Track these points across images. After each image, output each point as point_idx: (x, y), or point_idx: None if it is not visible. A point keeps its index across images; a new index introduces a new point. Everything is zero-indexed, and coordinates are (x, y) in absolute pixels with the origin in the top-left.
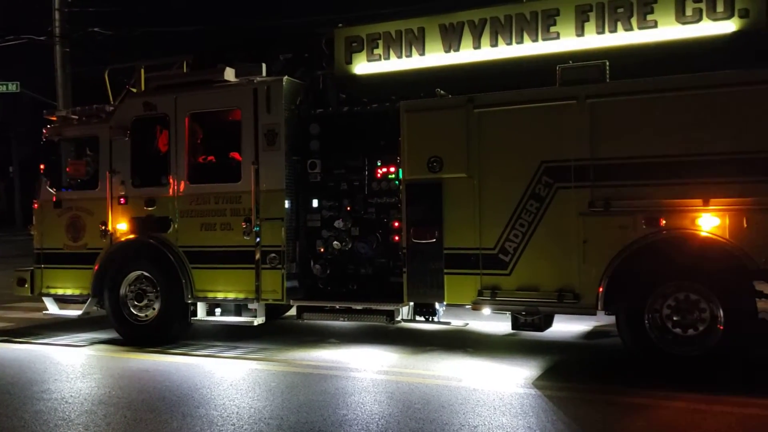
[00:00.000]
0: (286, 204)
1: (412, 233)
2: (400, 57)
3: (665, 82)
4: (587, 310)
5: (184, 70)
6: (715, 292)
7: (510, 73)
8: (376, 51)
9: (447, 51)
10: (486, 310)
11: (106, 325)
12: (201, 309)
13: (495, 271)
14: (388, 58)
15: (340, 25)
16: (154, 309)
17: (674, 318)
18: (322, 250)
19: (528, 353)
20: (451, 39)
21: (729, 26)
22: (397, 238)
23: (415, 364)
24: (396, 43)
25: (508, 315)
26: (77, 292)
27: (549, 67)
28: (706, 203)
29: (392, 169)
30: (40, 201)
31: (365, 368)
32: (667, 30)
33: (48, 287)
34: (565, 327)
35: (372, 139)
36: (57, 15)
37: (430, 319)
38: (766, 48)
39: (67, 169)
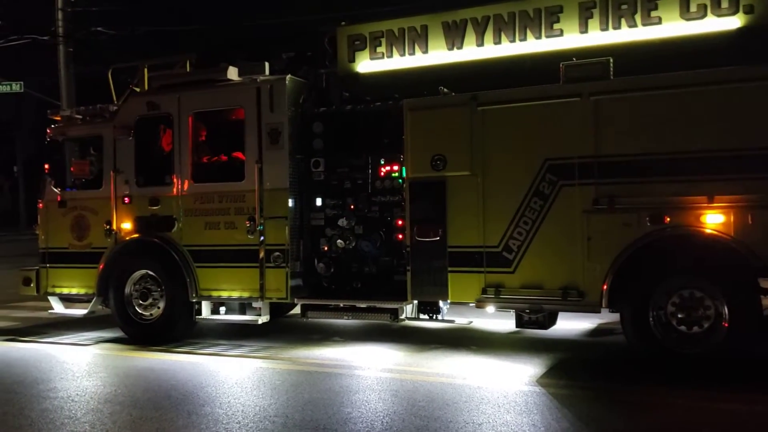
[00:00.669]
0: (290, 203)
1: (416, 231)
2: (403, 55)
3: (669, 79)
4: (592, 308)
5: (188, 70)
6: (719, 289)
7: (513, 71)
8: (379, 49)
9: (450, 49)
10: (490, 308)
11: (111, 324)
12: (205, 308)
13: (499, 269)
14: (391, 56)
15: (343, 23)
16: (158, 308)
17: (679, 315)
18: (326, 248)
19: (532, 351)
20: (454, 36)
21: (734, 22)
22: (400, 236)
23: (420, 362)
24: (399, 41)
25: (513, 313)
26: (82, 291)
27: (553, 64)
28: (710, 200)
29: (396, 168)
30: (44, 201)
31: (370, 366)
32: (672, 26)
33: (53, 286)
34: (570, 325)
35: (375, 138)
36: (60, 15)
37: (434, 317)
38: None
39: (71, 169)
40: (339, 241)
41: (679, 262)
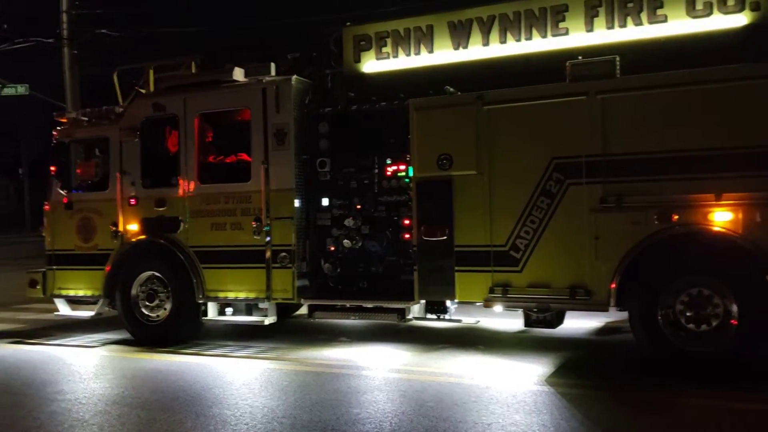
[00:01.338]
0: (296, 203)
1: (423, 231)
2: (408, 55)
3: (676, 77)
4: (600, 307)
5: (193, 71)
6: (728, 287)
7: (519, 70)
8: (384, 49)
9: (456, 48)
10: (497, 308)
11: (117, 325)
12: (212, 309)
13: (506, 268)
14: (396, 56)
15: (349, 23)
16: (165, 309)
17: (687, 314)
18: (332, 248)
19: (540, 350)
20: (459, 36)
21: (740, 19)
22: (407, 236)
23: (427, 362)
24: (404, 41)
25: (520, 312)
26: (89, 293)
27: (559, 63)
28: (718, 198)
29: (402, 167)
30: (50, 202)
31: (377, 367)
32: (678, 24)
33: (60, 288)
34: (577, 324)
35: (381, 137)
36: (64, 17)
37: (441, 317)
38: None
39: (77, 171)
40: (345, 241)
41: (687, 261)
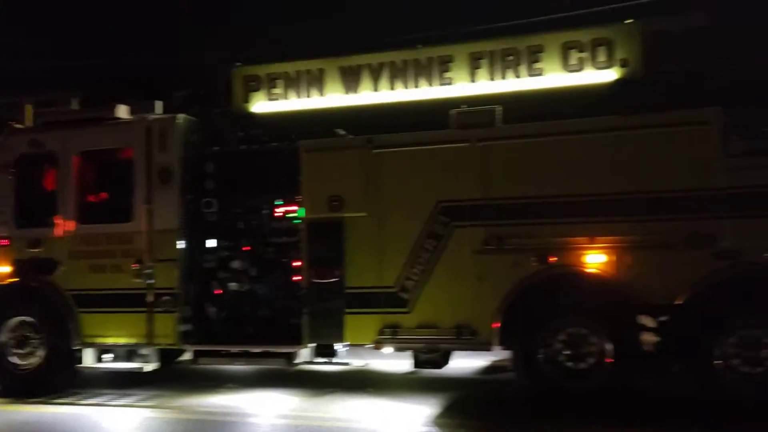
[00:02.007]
0: (181, 244)
1: (313, 273)
2: (299, 97)
3: (551, 127)
4: (484, 346)
5: (73, 107)
6: (602, 326)
7: (408, 116)
8: (275, 90)
9: (347, 92)
10: (387, 349)
11: None
12: (89, 355)
13: (396, 309)
14: (287, 97)
15: (238, 64)
16: (38, 356)
17: (565, 352)
18: (218, 291)
19: (428, 391)
20: (350, 81)
21: (611, 74)
22: (297, 278)
23: (316, 407)
24: (295, 84)
25: (409, 353)
26: None
27: (445, 109)
28: (593, 241)
29: (292, 208)
30: None
31: (264, 413)
32: (554, 77)
33: None
34: (465, 363)
35: (271, 178)
36: None
37: (330, 361)
38: (644, 95)
39: None
40: (232, 283)
41: (564, 301)
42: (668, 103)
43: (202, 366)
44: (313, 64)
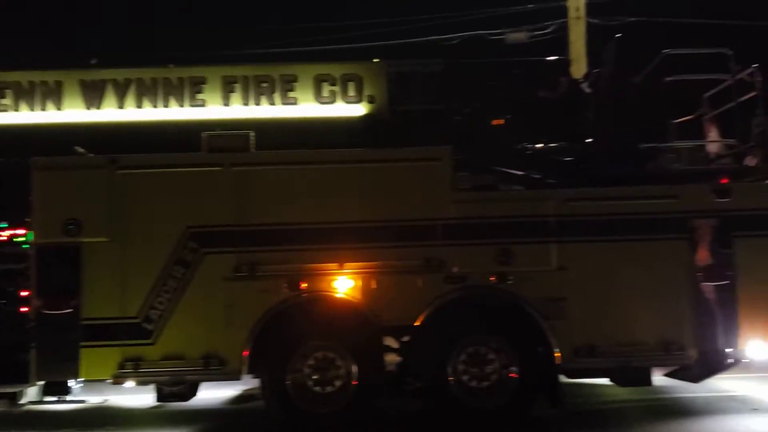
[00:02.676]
0: None
1: (44, 303)
2: (33, 110)
3: (304, 156)
4: (233, 376)
5: None
6: (348, 349)
7: (157, 136)
8: (3, 101)
9: (88, 108)
10: (129, 384)
11: None
12: None
13: (138, 341)
14: (18, 109)
15: None
16: None
17: (314, 377)
18: None
19: (174, 425)
20: (92, 96)
21: (359, 109)
22: (25, 309)
23: None
24: (29, 95)
25: (153, 386)
26: None
27: (198, 132)
28: (341, 267)
29: (20, 232)
30: None
31: None
32: (307, 107)
33: None
34: (214, 393)
35: None
36: None
37: (62, 399)
38: (390, 130)
39: None
40: None
41: (313, 326)
42: (408, 139)
43: None
44: (49, 76)
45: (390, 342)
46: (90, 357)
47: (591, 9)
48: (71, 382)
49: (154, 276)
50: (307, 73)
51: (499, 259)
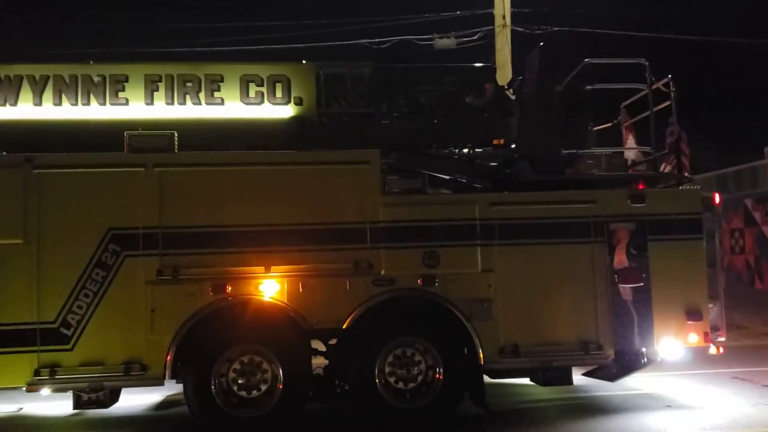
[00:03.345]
0: None
1: None
2: None
3: (230, 157)
4: (156, 381)
5: None
6: (275, 353)
7: (77, 135)
8: None
9: (3, 104)
10: (45, 391)
11: None
12: None
13: (56, 346)
14: None
15: None
16: None
17: (239, 381)
18: None
19: None
20: (7, 92)
21: (287, 111)
22: None
23: None
24: None
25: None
26: None
27: (119, 132)
28: (267, 270)
29: None
30: None
31: None
32: (234, 107)
33: None
34: (136, 400)
35: None
36: None
37: None
38: (318, 132)
39: None
40: None
41: (239, 330)
42: (337, 142)
43: None
44: None
45: (317, 345)
46: (2, 364)
47: (517, 18)
48: None
49: (73, 280)
50: (233, 73)
51: (426, 262)
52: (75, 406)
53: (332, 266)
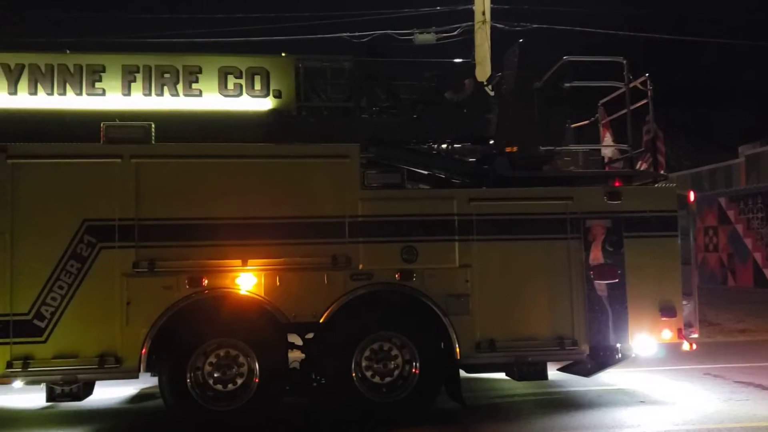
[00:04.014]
0: None
1: None
2: None
3: (208, 149)
4: (130, 374)
5: None
6: (251, 346)
7: (52, 125)
8: None
9: None
10: (17, 383)
11: None
12: None
13: (28, 338)
14: None
15: None
16: None
17: (215, 374)
18: None
19: (66, 426)
20: None
21: (266, 103)
22: None
23: None
24: None
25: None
26: None
27: (96, 123)
28: (245, 263)
29: None
30: None
31: None
32: (212, 99)
33: None
34: (110, 393)
35: None
36: None
37: None
38: (297, 126)
39: None
40: None
41: (216, 323)
42: (316, 136)
43: None
44: None
45: (294, 339)
46: None
47: (496, 14)
48: None
49: (48, 271)
50: (212, 64)
51: (404, 257)
52: (48, 399)
53: (310, 260)
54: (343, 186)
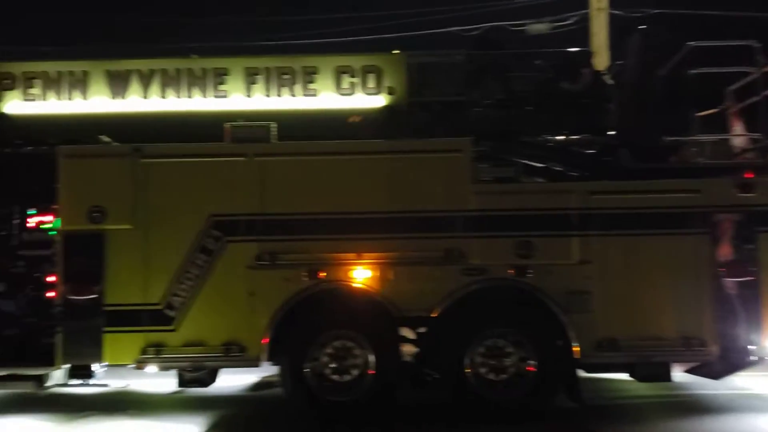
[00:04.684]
0: None
1: (69, 289)
2: (60, 99)
3: (325, 146)
4: (252, 362)
5: None
6: (366, 338)
7: (181, 126)
8: (32, 90)
9: (113, 98)
10: (151, 369)
11: None
12: None
13: (160, 327)
14: (45, 99)
15: None
16: None
17: (332, 365)
18: None
19: (194, 410)
20: (117, 86)
21: (380, 100)
22: (52, 294)
23: None
24: (56, 85)
25: (174, 372)
26: None
27: (220, 122)
28: (359, 257)
29: (48, 219)
30: None
31: None
32: (327, 98)
33: None
34: (233, 380)
35: (24, 185)
36: None
37: (86, 382)
38: (409, 121)
39: None
40: None
41: (332, 315)
42: (429, 131)
43: None
44: (76, 66)
45: (407, 333)
46: (113, 342)
47: (613, 0)
48: (95, 367)
49: (177, 264)
50: (327, 64)
51: (519, 252)
52: (179, 384)
53: (423, 254)
54: (456, 180)
